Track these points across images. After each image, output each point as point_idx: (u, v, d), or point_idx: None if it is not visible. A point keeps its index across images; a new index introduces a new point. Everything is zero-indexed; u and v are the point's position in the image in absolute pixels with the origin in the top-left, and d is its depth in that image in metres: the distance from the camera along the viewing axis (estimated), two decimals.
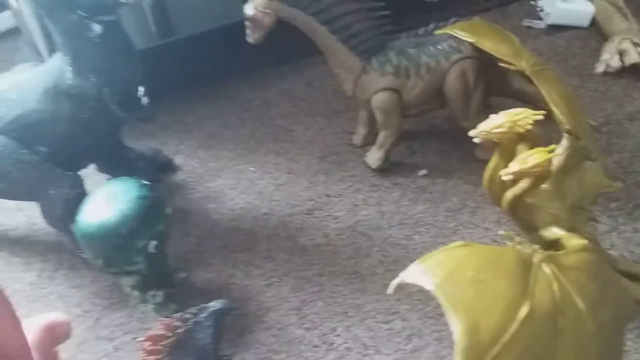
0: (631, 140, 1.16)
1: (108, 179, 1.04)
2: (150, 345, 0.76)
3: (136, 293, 0.92)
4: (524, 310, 0.54)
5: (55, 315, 0.50)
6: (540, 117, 0.72)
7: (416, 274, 0.56)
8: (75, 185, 0.96)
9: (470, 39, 0.96)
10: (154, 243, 0.85)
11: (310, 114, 1.28)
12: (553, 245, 0.76)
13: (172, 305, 0.93)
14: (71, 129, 0.95)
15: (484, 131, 0.71)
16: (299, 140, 1.23)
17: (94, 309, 0.97)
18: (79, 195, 0.94)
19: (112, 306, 0.97)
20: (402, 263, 0.97)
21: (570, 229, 0.75)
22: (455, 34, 0.98)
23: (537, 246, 0.76)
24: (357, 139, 1.20)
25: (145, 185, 0.87)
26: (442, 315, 0.56)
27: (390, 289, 0.56)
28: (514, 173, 0.70)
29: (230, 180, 1.16)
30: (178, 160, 1.21)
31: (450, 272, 0.56)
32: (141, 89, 0.98)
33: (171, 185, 1.16)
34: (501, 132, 0.71)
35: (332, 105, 1.29)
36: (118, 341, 0.92)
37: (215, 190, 1.15)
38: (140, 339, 0.78)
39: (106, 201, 0.85)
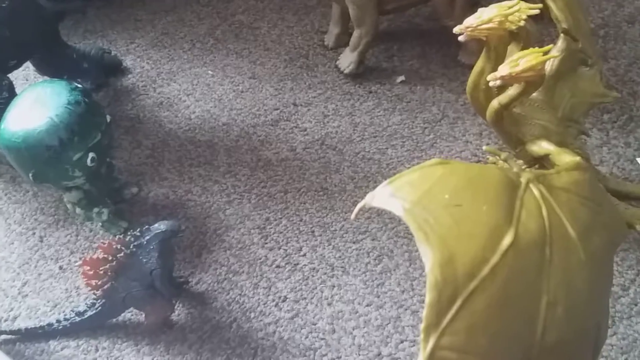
0: (629, 45, 1.07)
1: None
2: (89, 269, 0.70)
3: (79, 210, 0.85)
4: (507, 240, 0.47)
5: None
6: (536, 12, 0.63)
7: (384, 196, 0.48)
8: (1, 89, 0.86)
9: None
10: (92, 155, 0.76)
11: (277, 9, 1.18)
12: (540, 162, 0.70)
13: (122, 223, 0.87)
14: None
15: (470, 27, 0.62)
16: (263, 39, 1.14)
17: (38, 226, 0.90)
18: (8, 100, 0.83)
19: (57, 223, 0.90)
20: (373, 179, 0.91)
21: (560, 143, 0.69)
22: None
23: (522, 163, 0.69)
24: (329, 39, 1.11)
25: (77, 88, 0.76)
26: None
27: (354, 214, 0.50)
28: (502, 77, 0.61)
29: (186, 85, 1.07)
30: (128, 61, 1.11)
31: (424, 195, 0.48)
32: None
33: (120, 90, 1.07)
34: (490, 28, 0.62)
35: None
36: (64, 261, 0.86)
37: (169, 97, 1.06)
38: (78, 262, 0.71)
39: (32, 107, 0.74)
